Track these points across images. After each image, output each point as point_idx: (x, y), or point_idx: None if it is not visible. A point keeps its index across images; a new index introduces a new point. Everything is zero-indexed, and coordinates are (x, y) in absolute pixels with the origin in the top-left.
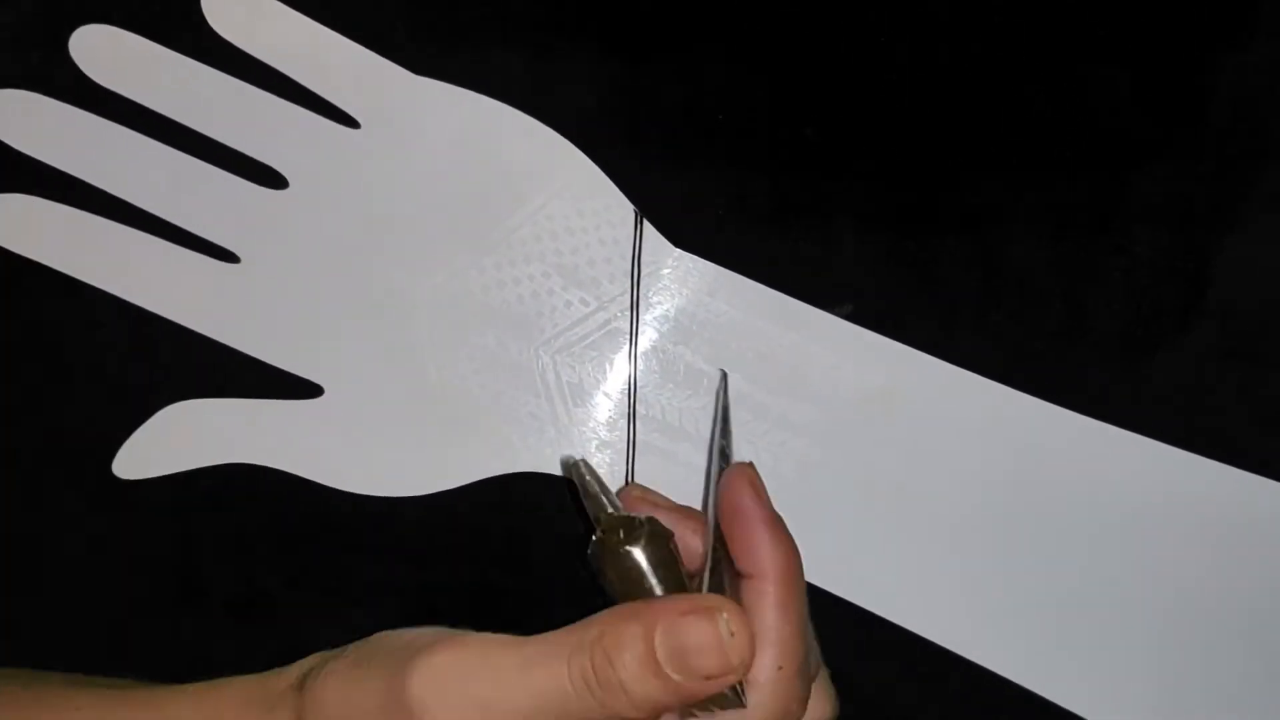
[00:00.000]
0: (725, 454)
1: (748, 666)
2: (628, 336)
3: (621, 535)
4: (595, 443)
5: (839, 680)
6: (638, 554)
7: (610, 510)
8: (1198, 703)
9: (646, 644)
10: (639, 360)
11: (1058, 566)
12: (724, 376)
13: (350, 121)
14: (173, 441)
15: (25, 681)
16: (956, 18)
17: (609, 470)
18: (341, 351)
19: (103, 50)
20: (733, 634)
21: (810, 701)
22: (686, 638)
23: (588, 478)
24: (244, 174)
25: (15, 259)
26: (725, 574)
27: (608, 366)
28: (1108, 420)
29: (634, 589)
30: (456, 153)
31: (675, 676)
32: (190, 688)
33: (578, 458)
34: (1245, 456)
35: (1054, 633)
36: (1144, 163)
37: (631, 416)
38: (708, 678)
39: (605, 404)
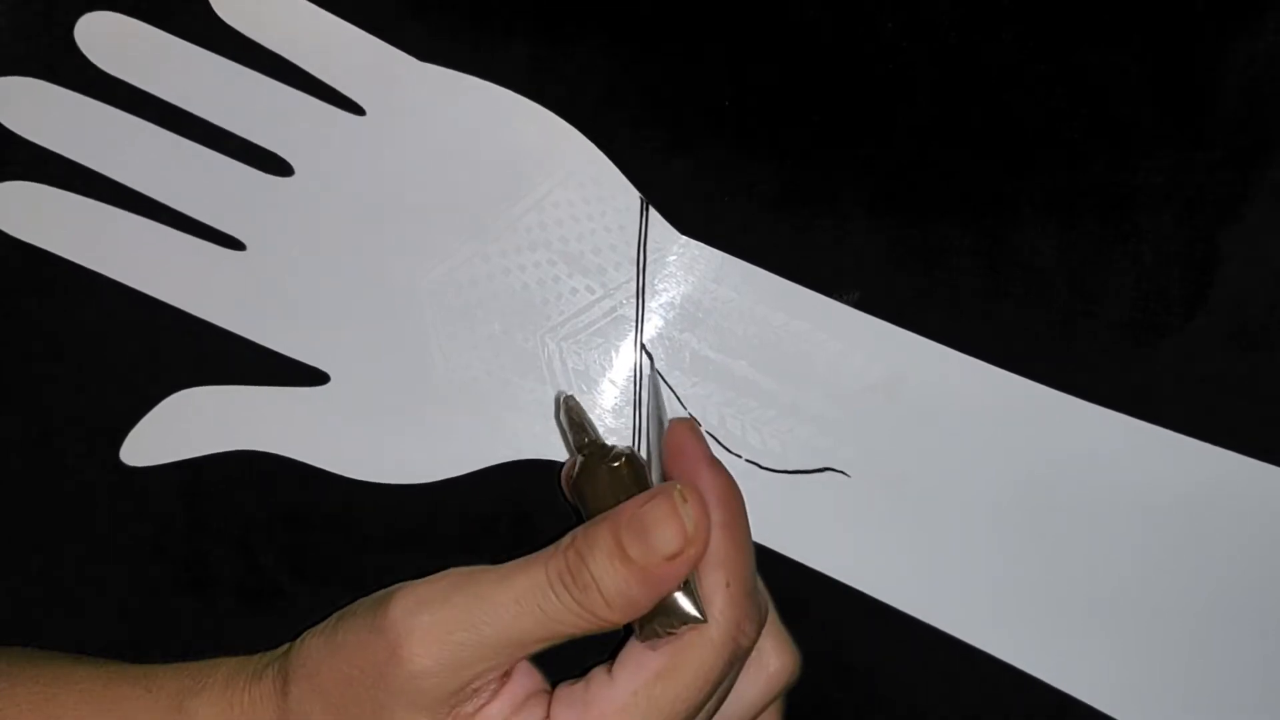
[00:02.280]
0: (662, 421)
1: (704, 537)
2: (633, 324)
3: (600, 458)
4: (601, 430)
5: (841, 666)
6: (613, 471)
7: (591, 439)
8: (1198, 695)
9: (614, 536)
10: (644, 347)
11: (1064, 553)
12: (651, 364)
13: (356, 108)
14: (180, 429)
15: (29, 658)
16: (963, 4)
17: None
18: (347, 339)
19: (108, 37)
20: (685, 501)
21: (770, 651)
22: (646, 517)
23: (573, 410)
24: (249, 161)
25: (20, 246)
26: None
27: (613, 354)
28: (1114, 407)
29: (607, 504)
30: (462, 140)
31: (639, 559)
32: (182, 665)
33: (566, 393)
34: (1251, 444)
35: (1059, 619)
36: (1151, 150)
37: (637, 404)
38: (669, 557)
39: (611, 391)
